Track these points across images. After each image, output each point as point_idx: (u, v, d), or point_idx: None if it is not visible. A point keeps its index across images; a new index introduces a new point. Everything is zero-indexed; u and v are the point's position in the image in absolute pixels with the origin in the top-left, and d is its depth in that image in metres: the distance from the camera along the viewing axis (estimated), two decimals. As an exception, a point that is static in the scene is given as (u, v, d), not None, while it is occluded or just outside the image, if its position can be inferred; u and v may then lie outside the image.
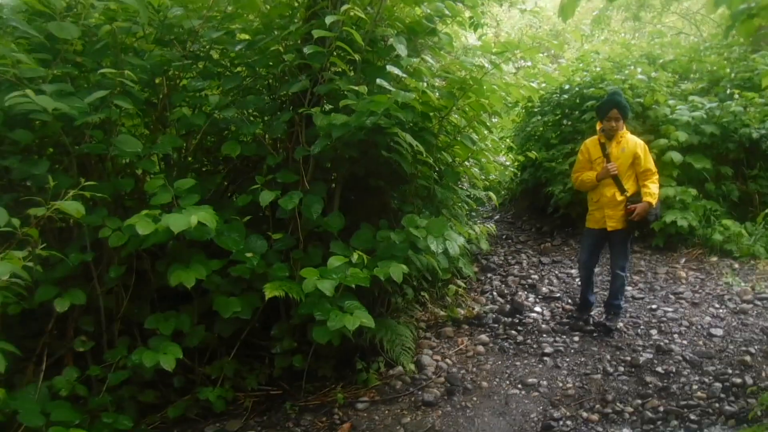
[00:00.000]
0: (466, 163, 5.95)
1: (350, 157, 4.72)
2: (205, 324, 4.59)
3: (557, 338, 5.81)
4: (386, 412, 4.61)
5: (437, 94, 5.02)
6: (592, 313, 6.20)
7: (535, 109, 9.60)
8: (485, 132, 5.93)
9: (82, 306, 4.37)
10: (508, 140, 8.79)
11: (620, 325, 6.04)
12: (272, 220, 4.74)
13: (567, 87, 9.32)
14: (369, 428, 4.43)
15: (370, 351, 5.06)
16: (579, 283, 6.56)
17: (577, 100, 9.04)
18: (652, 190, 5.54)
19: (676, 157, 8.23)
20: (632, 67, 9.07)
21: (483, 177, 6.91)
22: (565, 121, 9.45)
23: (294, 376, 4.84)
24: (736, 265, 7.55)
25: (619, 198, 5.60)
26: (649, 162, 5.62)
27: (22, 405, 3.82)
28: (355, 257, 4.19)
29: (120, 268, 4.38)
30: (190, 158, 5.13)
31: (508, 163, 8.22)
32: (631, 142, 5.61)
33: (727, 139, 8.67)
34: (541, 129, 9.30)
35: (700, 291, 6.82)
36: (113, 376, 4.31)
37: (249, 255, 4.29)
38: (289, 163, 4.79)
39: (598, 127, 5.79)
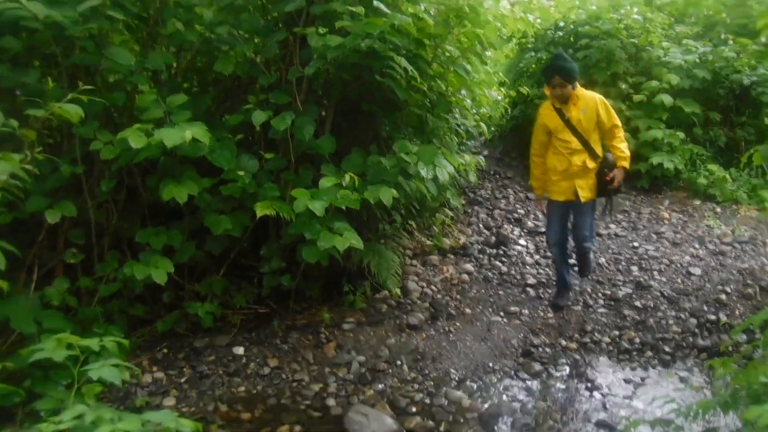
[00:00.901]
0: (459, 94, 5.93)
1: (344, 79, 4.70)
2: (195, 242, 4.63)
3: (540, 270, 5.94)
4: (371, 333, 4.72)
5: (433, 21, 4.96)
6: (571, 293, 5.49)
7: (529, 45, 9.51)
8: (479, 64, 5.89)
9: (72, 219, 4.39)
10: (500, 75, 8.74)
11: (602, 260, 6.16)
12: (263, 141, 4.73)
13: (562, 24, 9.23)
14: (354, 348, 4.55)
15: (357, 275, 5.14)
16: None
17: (572, 38, 8.95)
18: (625, 152, 4.93)
19: (666, 99, 8.25)
20: (628, 7, 8.97)
21: (474, 111, 6.91)
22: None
23: (282, 296, 4.92)
24: (719, 209, 7.68)
25: (591, 165, 4.93)
26: (613, 117, 4.97)
27: (14, 312, 3.86)
28: (346, 179, 4.22)
29: (111, 182, 4.38)
30: (180, 78, 5.07)
31: (499, 98, 8.18)
32: (590, 101, 4.86)
33: (718, 84, 8.70)
34: (533, 66, 9.23)
35: (682, 232, 6.95)
36: (104, 288, 4.36)
37: (241, 173, 4.30)
38: (282, 84, 4.75)
39: (546, 92, 5.05)
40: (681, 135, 8.27)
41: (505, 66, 9.86)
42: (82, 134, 4.19)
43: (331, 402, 4.03)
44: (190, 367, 4.27)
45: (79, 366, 2.13)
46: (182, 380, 4.13)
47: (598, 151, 4.96)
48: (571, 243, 5.44)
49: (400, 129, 5.23)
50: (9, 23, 3.89)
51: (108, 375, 2.06)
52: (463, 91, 6.09)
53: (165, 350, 4.44)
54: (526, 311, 5.22)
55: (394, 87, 4.70)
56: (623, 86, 8.59)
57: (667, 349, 4.84)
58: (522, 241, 6.59)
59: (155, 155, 4.16)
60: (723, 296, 5.54)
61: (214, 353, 4.41)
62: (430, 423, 3.85)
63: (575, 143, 4.87)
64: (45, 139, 4.22)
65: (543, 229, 6.86)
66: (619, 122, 4.99)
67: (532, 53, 9.25)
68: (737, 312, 5.36)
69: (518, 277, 5.84)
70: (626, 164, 4.95)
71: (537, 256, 6.24)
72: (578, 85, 4.93)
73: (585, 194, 4.95)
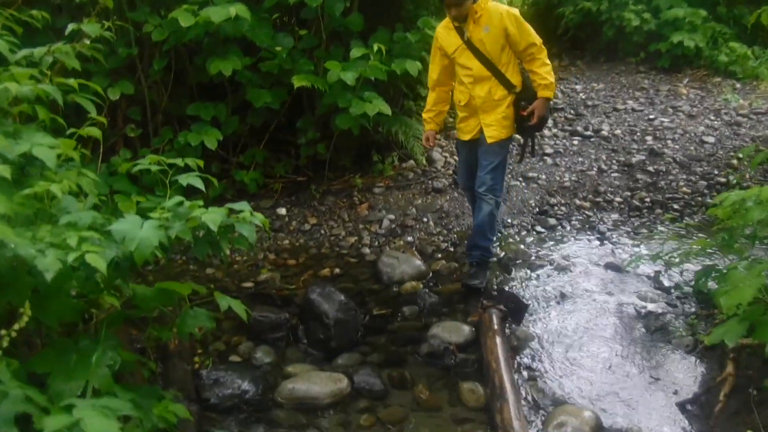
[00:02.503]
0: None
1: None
2: (238, 117, 5.07)
3: (557, 142, 6.29)
4: (400, 195, 5.19)
5: None
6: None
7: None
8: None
9: (129, 97, 4.84)
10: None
11: (618, 131, 6.48)
12: (296, 20, 5.07)
13: None
14: (385, 208, 5.03)
15: (385, 146, 5.56)
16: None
17: None
18: (546, 78, 3.87)
19: (689, -23, 8.31)
20: None
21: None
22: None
23: (317, 165, 5.37)
24: (738, 85, 7.87)
25: (499, 96, 3.92)
26: (529, 34, 3.84)
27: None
28: (375, 48, 4.56)
29: (162, 62, 4.79)
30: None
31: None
32: (495, 16, 3.78)
33: (744, -39, 8.68)
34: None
35: (699, 105, 7.20)
36: (126, 167, 4.84)
37: (278, 49, 4.68)
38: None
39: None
40: (703, 13, 8.36)
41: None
42: (134, 18, 4.59)
43: (365, 251, 4.55)
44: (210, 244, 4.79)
45: (169, 177, 2.61)
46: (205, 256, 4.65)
47: (513, 78, 3.93)
48: None
49: (423, 8, 5.52)
50: None
51: (194, 182, 2.52)
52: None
53: (216, 213, 4.97)
54: (544, 176, 5.62)
55: (418, -35, 4.98)
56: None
57: (675, 207, 5.22)
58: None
59: (201, 35, 4.56)
60: (735, 161, 5.86)
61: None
62: (454, 265, 4.36)
63: (478, 69, 3.88)
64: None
65: (561, 106, 7.18)
66: (538, 40, 3.87)
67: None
68: (747, 175, 5.69)
69: (536, 147, 6.20)
70: (549, 93, 3.92)
71: (555, 130, 6.56)
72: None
73: (491, 132, 3.96)
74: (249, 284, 4.21)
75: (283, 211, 4.93)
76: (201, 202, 2.39)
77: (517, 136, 4.29)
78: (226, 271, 4.38)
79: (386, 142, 5.53)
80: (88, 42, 3.05)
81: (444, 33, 3.99)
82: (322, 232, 4.76)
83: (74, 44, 3.09)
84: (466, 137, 4.14)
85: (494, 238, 4.26)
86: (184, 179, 2.51)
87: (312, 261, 4.44)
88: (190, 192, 5.01)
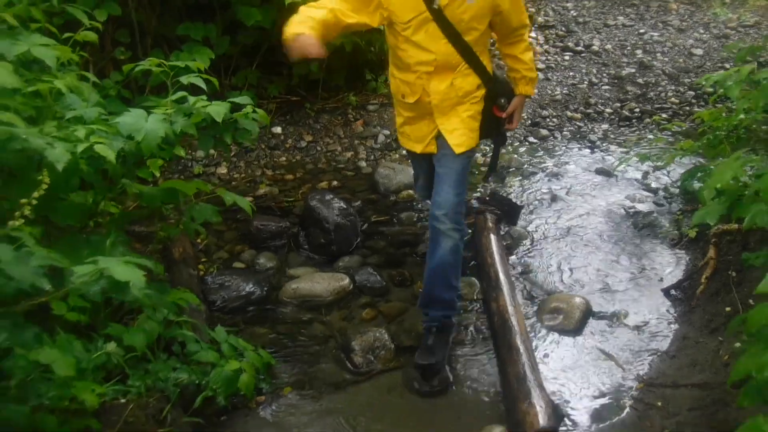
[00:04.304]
0: None
1: None
2: (228, 38, 5.08)
3: (549, 58, 6.32)
4: (393, 112, 5.23)
5: None
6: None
7: None
8: None
9: (117, 19, 4.83)
10: None
11: (608, 46, 6.51)
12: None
13: None
14: (379, 124, 5.10)
15: (377, 65, 5.57)
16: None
17: None
18: (533, 69, 2.94)
19: None
20: None
21: None
22: None
23: (311, 85, 5.40)
24: (728, 0, 7.85)
25: (464, 90, 2.79)
26: (522, 10, 2.81)
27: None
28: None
29: (149, -19, 4.78)
30: None
31: None
32: None
33: None
34: None
35: (688, 20, 7.21)
36: (152, 79, 4.87)
37: (268, -36, 4.66)
38: None
39: None
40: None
41: None
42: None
43: (362, 164, 4.64)
44: (235, 143, 4.86)
45: (170, 77, 2.67)
46: (231, 155, 4.73)
47: (487, 65, 2.84)
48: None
49: None
50: None
51: (196, 81, 2.58)
52: None
53: (212, 133, 5.03)
54: (536, 91, 5.64)
55: None
56: None
57: (664, 116, 5.31)
58: (533, 34, 6.90)
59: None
60: (722, 71, 5.91)
61: (255, 133, 4.99)
62: (448, 174, 4.46)
63: (445, 54, 2.69)
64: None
65: (552, 24, 7.16)
66: (528, 21, 2.90)
67: None
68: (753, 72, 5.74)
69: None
70: (532, 90, 3.01)
71: (546, 46, 6.57)
72: None
73: (457, 140, 2.83)
74: (248, 199, 4.28)
75: (278, 129, 4.98)
76: (204, 98, 2.46)
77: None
78: (225, 188, 4.46)
79: (379, 61, 5.54)
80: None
81: None
82: (318, 148, 4.83)
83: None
84: (417, 148, 2.96)
85: (460, 285, 3.01)
86: (186, 79, 2.56)
87: (309, 176, 4.52)
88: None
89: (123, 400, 2.20)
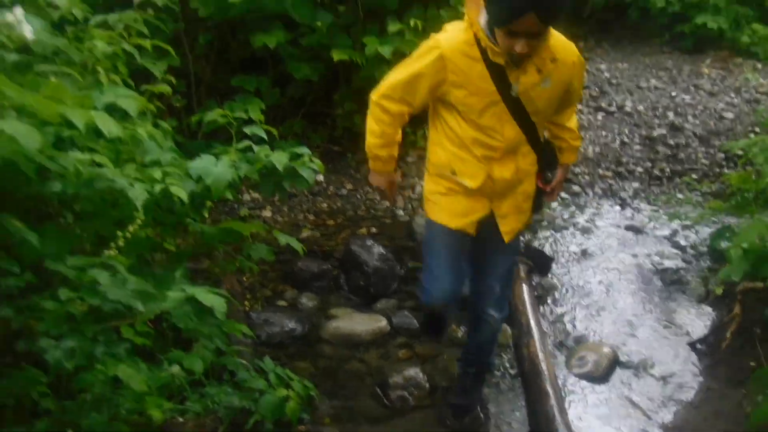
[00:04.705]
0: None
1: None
2: (278, 89, 5.40)
3: (582, 117, 6.52)
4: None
5: None
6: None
7: None
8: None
9: (175, 70, 5.18)
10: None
11: (641, 107, 6.71)
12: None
13: None
14: (417, 175, 5.33)
15: (416, 119, 5.73)
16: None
17: None
18: (579, 137, 2.73)
19: (713, -39, 8.48)
20: None
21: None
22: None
23: (353, 136, 5.66)
24: (759, 65, 8.03)
25: (523, 171, 2.51)
26: (582, 84, 2.70)
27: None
28: (411, 23, 4.85)
29: (207, 36, 5.12)
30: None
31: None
32: (566, 64, 2.37)
33: (768, -56, 8.82)
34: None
35: (720, 84, 7.40)
36: (206, 124, 5.19)
37: (318, 24, 4.98)
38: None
39: (469, 16, 2.30)
40: (727, -5, 8.53)
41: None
42: (181, -6, 4.92)
43: (400, 213, 4.87)
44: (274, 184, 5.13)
45: (235, 127, 2.93)
46: (275, 199, 4.98)
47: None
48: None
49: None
50: None
51: (258, 131, 2.84)
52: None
53: (258, 178, 5.31)
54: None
55: (451, -55, 5.24)
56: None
57: (694, 176, 5.47)
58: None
59: (244, 11, 4.87)
60: (752, 135, 6.08)
61: (299, 180, 5.26)
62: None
63: (514, 137, 2.41)
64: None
65: (587, 84, 7.39)
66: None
67: None
68: (763, 149, 5.91)
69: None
70: (576, 157, 2.83)
71: (580, 106, 6.80)
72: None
73: (510, 226, 2.59)
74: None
75: (320, 177, 5.24)
76: (267, 147, 2.71)
77: None
78: (269, 232, 4.71)
79: (417, 115, 5.80)
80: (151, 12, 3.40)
81: (463, 64, 2.26)
82: (358, 196, 5.07)
83: (141, 12, 3.44)
84: (452, 223, 2.54)
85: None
86: (249, 129, 2.82)
87: (349, 222, 4.75)
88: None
89: (181, 420, 2.40)
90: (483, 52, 2.24)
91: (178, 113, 5.39)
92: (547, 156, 2.61)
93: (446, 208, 2.56)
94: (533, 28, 2.07)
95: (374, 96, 2.52)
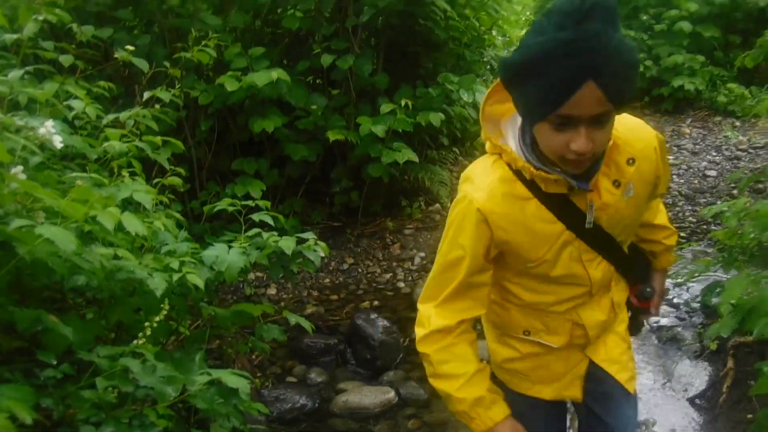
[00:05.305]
0: (491, 33, 6.76)
1: (392, 25, 5.57)
2: (277, 170, 5.61)
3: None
4: (429, 236, 5.66)
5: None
6: None
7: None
8: (507, 4, 6.69)
9: (177, 155, 5.40)
10: (529, 15, 9.50)
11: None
12: (328, 81, 5.66)
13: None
14: (415, 247, 5.50)
15: (412, 192, 6.06)
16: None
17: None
18: (673, 231, 2.08)
19: (686, 26, 8.88)
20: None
21: (506, 50, 7.71)
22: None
23: (350, 212, 5.87)
24: (737, 123, 8.35)
25: (621, 300, 1.97)
26: (669, 170, 1.93)
27: (146, 227, 4.91)
28: (402, 103, 5.10)
29: (208, 123, 5.36)
30: (253, 34, 6.01)
31: (528, 36, 9.00)
32: (641, 158, 1.67)
33: (736, 8, 9.24)
34: (560, 6, 9.94)
35: (701, 143, 7.69)
36: (207, 208, 5.39)
37: (313, 107, 5.24)
38: (339, 33, 5.65)
39: (492, 141, 1.69)
40: (701, 59, 8.92)
41: (533, 7, 10.56)
42: (184, 86, 5.18)
43: (401, 285, 5.01)
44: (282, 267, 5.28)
45: (243, 215, 3.11)
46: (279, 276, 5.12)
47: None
48: None
49: (441, 65, 6.10)
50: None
51: (265, 218, 3.02)
52: (494, 31, 6.91)
53: (261, 257, 5.48)
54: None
55: (435, 28, 5.56)
56: (644, 17, 9.24)
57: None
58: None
59: (242, 98, 5.13)
60: (735, 191, 6.30)
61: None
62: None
63: (601, 275, 1.81)
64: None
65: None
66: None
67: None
68: (748, 204, 6.11)
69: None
70: (673, 257, 2.18)
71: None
72: None
73: (626, 373, 1.97)
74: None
75: (322, 253, 5.40)
76: (275, 233, 2.88)
77: None
78: (274, 308, 4.83)
79: (413, 188, 6.03)
80: (158, 107, 3.63)
81: (509, 210, 1.67)
82: (360, 270, 5.22)
83: (149, 108, 3.67)
84: (546, 393, 1.97)
85: None
86: (257, 216, 2.99)
87: (352, 296, 4.89)
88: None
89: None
90: (530, 184, 1.62)
91: (181, 196, 5.60)
92: (639, 268, 2.00)
93: (532, 376, 1.95)
94: (594, 106, 1.40)
95: (421, 331, 1.80)
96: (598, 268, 1.77)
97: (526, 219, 1.65)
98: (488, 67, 7.06)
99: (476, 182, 1.69)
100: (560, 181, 1.59)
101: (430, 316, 1.76)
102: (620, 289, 1.94)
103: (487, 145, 1.71)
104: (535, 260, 1.71)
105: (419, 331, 1.79)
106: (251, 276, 5.14)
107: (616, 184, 1.65)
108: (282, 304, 4.89)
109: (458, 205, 1.71)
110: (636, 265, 1.97)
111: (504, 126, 1.69)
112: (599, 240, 1.72)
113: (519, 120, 1.65)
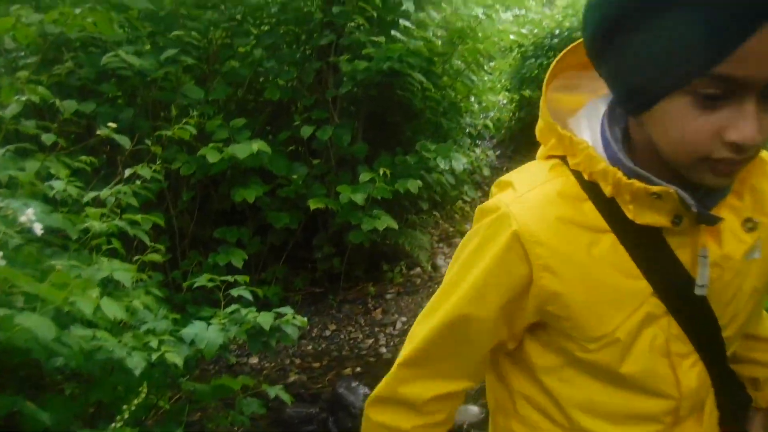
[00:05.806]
0: (468, 100, 6.95)
1: (370, 96, 5.73)
2: (258, 238, 5.68)
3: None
4: (410, 300, 5.71)
5: (440, 42, 6.00)
6: None
7: (530, 54, 10.51)
8: (482, 73, 6.90)
9: (158, 226, 5.46)
10: (504, 81, 9.76)
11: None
12: (308, 151, 5.79)
13: (557, 32, 10.20)
14: (397, 311, 5.54)
15: (393, 257, 6.13)
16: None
17: (567, 43, 9.92)
18: None
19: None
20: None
21: (483, 115, 7.92)
22: (557, 63, 10.33)
23: (333, 277, 5.92)
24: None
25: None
26: None
27: (128, 298, 4.94)
28: (380, 172, 5.21)
29: (190, 193, 5.45)
30: (235, 105, 6.16)
31: (505, 102, 9.20)
32: None
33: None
34: (535, 71, 10.20)
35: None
36: (191, 277, 5.42)
37: (294, 177, 5.34)
38: (319, 104, 5.81)
39: (559, 133, 1.04)
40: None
41: (509, 73, 10.86)
42: (165, 157, 5.27)
43: (383, 350, 5.02)
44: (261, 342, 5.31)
45: (222, 291, 3.16)
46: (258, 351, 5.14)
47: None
48: None
49: (419, 134, 6.26)
50: (107, 72, 5.01)
51: (244, 293, 3.07)
52: (472, 98, 7.11)
53: (243, 326, 5.49)
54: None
55: (412, 98, 5.74)
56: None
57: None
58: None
59: (224, 168, 5.22)
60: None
61: (283, 325, 5.44)
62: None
63: (696, 384, 1.04)
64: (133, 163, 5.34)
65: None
66: None
67: (533, 59, 10.24)
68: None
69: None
70: None
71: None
72: None
73: None
74: (279, 386, 4.66)
75: (304, 320, 5.43)
76: (254, 308, 2.93)
77: None
78: (257, 377, 4.83)
79: (394, 253, 6.11)
80: (139, 183, 3.70)
81: (567, 244, 0.99)
82: (342, 336, 5.25)
83: (130, 185, 3.74)
84: None
85: None
86: (236, 291, 3.05)
87: (334, 362, 4.90)
88: (215, 306, 5.55)
89: None
90: (609, 206, 0.98)
91: (162, 267, 5.63)
92: (736, 398, 1.19)
93: None
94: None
95: (378, 390, 1.27)
96: (692, 373, 1.05)
97: (594, 264, 0.99)
98: (466, 131, 7.25)
99: (519, 189, 1.06)
100: (666, 199, 0.91)
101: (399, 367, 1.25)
102: (713, 421, 1.14)
103: (541, 149, 1.13)
104: (600, 337, 1.01)
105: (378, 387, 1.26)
106: (233, 345, 5.15)
107: (749, 225, 0.99)
108: (265, 372, 4.89)
109: (484, 217, 1.09)
110: (734, 398, 1.16)
111: (574, 123, 1.08)
112: (700, 324, 1.02)
113: (600, 108, 1.06)
